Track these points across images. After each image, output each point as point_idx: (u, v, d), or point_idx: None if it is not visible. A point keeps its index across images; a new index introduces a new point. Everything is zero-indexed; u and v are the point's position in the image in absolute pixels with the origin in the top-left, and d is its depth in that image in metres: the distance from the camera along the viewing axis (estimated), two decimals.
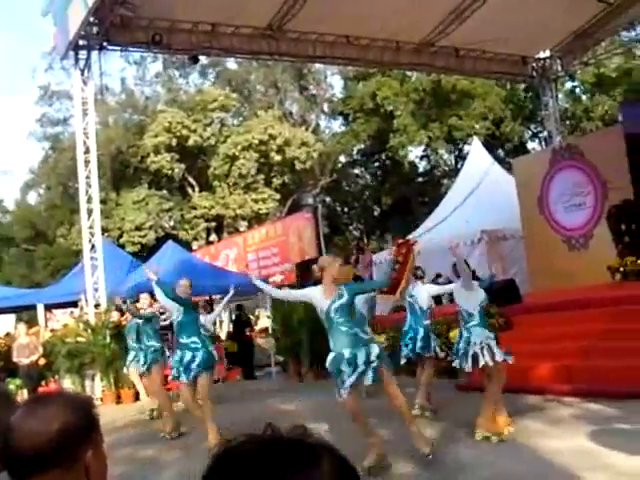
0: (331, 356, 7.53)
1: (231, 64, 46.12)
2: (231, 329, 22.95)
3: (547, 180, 19.09)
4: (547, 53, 22.27)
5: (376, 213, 47.97)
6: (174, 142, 39.36)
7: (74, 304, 18.16)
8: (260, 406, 13.03)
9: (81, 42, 16.77)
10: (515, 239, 20.09)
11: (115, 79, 48.06)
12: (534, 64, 22.76)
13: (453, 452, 7.92)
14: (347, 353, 7.38)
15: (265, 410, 12.33)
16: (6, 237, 48.95)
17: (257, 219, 39.39)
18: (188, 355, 9.56)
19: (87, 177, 17.13)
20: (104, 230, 21.42)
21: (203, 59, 26.57)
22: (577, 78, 37.35)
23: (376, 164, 47.65)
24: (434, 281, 19.67)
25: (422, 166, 47.11)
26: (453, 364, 9.11)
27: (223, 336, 22.45)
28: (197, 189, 41.96)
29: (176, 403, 11.69)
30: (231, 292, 13.08)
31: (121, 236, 38.26)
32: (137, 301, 13.71)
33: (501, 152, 41.38)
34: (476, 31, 19.20)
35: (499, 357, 8.23)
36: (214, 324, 24.30)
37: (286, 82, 46.64)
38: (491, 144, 36.94)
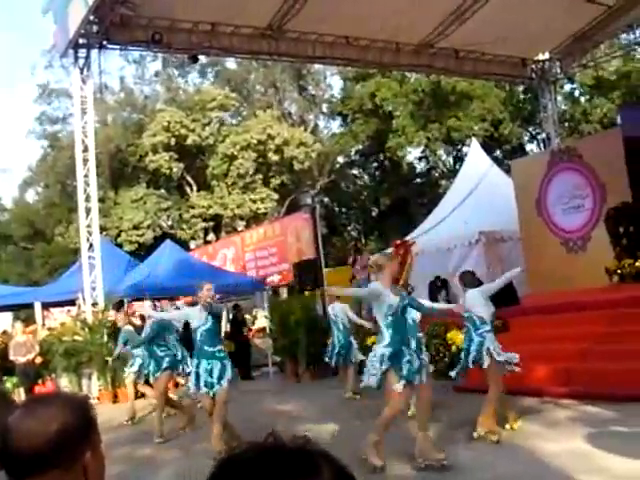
0: (389, 351, 7.55)
1: (230, 64, 46.23)
2: (228, 329, 22.95)
3: (545, 182, 19.08)
4: (546, 55, 22.29)
5: (374, 214, 47.96)
6: (173, 141, 39.37)
7: (72, 303, 18.14)
8: (257, 406, 13.04)
9: (81, 40, 16.77)
10: (513, 241, 20.07)
11: (114, 77, 48.34)
12: (533, 66, 22.79)
13: (451, 453, 7.91)
14: (408, 351, 7.63)
15: (262, 410, 12.34)
16: (4, 235, 48.89)
17: (255, 219, 39.40)
18: (218, 365, 9.14)
19: (85, 176, 17.13)
20: (102, 229, 21.42)
21: (202, 58, 26.58)
22: (576, 80, 37.37)
23: (374, 165, 47.69)
24: (433, 283, 19.71)
25: (420, 167, 47.18)
26: (454, 371, 9.11)
27: (221, 335, 22.44)
28: (195, 188, 41.97)
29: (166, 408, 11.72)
30: None
31: (119, 235, 38.28)
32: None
33: (499, 153, 41.40)
34: (476, 33, 19.22)
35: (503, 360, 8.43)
36: None
37: (285, 82, 46.65)
38: (489, 145, 36.94)
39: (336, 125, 48.93)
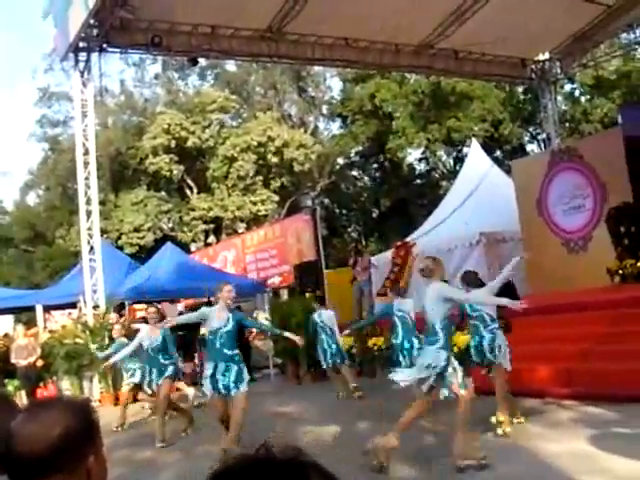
0: (445, 354, 7.58)
1: (230, 66, 46.23)
2: None
3: (546, 182, 19.08)
4: (546, 55, 22.29)
5: (374, 215, 47.94)
6: (173, 144, 39.37)
7: (73, 305, 18.14)
8: (259, 408, 13.02)
9: (81, 44, 16.79)
10: (514, 241, 20.05)
11: (114, 80, 48.42)
12: (533, 66, 22.79)
13: (452, 454, 7.92)
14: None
15: (263, 412, 12.33)
16: (5, 238, 48.90)
17: (256, 221, 39.40)
18: (235, 368, 9.03)
19: (86, 178, 17.14)
20: (103, 231, 21.43)
21: (202, 61, 26.59)
22: (576, 80, 37.37)
23: (374, 166, 47.68)
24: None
25: (421, 168, 47.15)
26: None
27: None
28: (196, 191, 41.98)
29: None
30: None
31: (119, 237, 38.29)
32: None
33: (500, 154, 41.39)
34: (475, 33, 19.23)
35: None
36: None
37: (285, 84, 46.65)
38: (489, 146, 36.93)
39: (336, 127, 48.97)
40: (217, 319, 9.15)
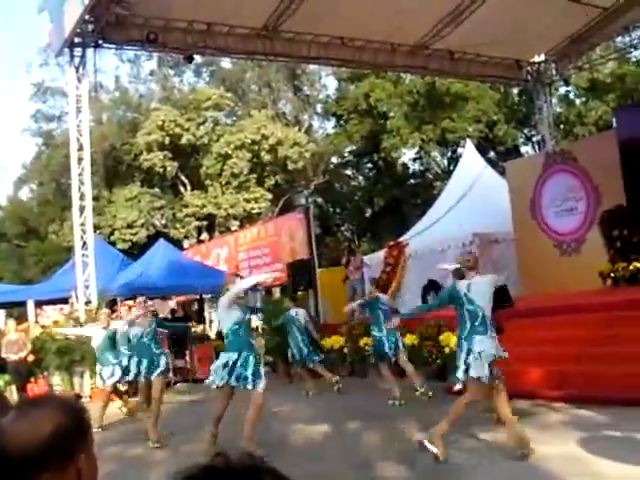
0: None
1: (225, 63, 46.17)
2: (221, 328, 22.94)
3: (540, 184, 19.11)
4: (542, 57, 22.31)
5: (368, 214, 47.98)
6: (167, 140, 39.31)
7: (65, 301, 18.11)
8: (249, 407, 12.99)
9: (76, 39, 16.77)
10: (507, 242, 20.10)
11: (109, 76, 48.25)
12: (529, 68, 22.82)
13: None
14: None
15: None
16: None
17: (249, 219, 39.37)
18: (253, 361, 8.75)
19: (80, 174, 17.11)
20: (95, 227, 21.39)
21: (198, 58, 26.55)
22: (571, 83, 37.41)
23: (368, 165, 47.72)
24: (428, 287, 19.71)
25: (415, 168, 47.19)
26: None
27: (212, 335, 22.44)
28: (189, 187, 41.93)
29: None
30: None
31: (112, 233, 38.22)
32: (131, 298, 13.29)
33: (494, 155, 41.44)
34: (471, 34, 19.24)
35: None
36: (203, 323, 24.38)
37: (280, 82, 46.65)
38: (484, 147, 37.00)
39: (330, 125, 48.98)
40: (239, 309, 9.01)
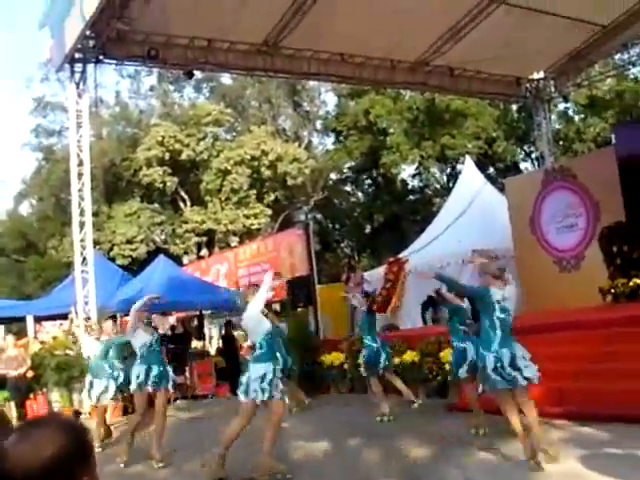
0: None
1: (226, 79, 46.31)
2: (221, 345, 22.91)
3: (539, 201, 19.13)
4: (541, 74, 22.34)
5: (367, 230, 47.98)
6: (167, 156, 39.36)
7: (64, 316, 18.06)
8: (254, 423, 12.95)
9: (77, 55, 16.78)
10: (506, 259, 20.07)
11: (110, 91, 48.37)
12: (528, 85, 22.87)
13: (442, 472, 7.90)
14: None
15: (253, 428, 12.26)
16: None
17: (248, 234, 39.36)
18: (278, 369, 8.59)
19: (80, 190, 17.10)
20: (95, 242, 21.36)
21: (198, 74, 26.62)
22: (570, 99, 37.49)
23: (368, 181, 47.76)
24: (427, 303, 19.69)
25: (414, 184, 47.23)
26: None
27: (212, 352, 22.42)
28: (189, 203, 41.96)
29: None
30: None
31: (112, 249, 38.19)
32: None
33: (493, 171, 41.50)
34: (471, 51, 19.29)
35: None
36: (203, 339, 24.35)
37: (280, 98, 46.77)
38: (483, 163, 37.07)
39: (330, 141, 49.08)
40: (270, 319, 9.00)
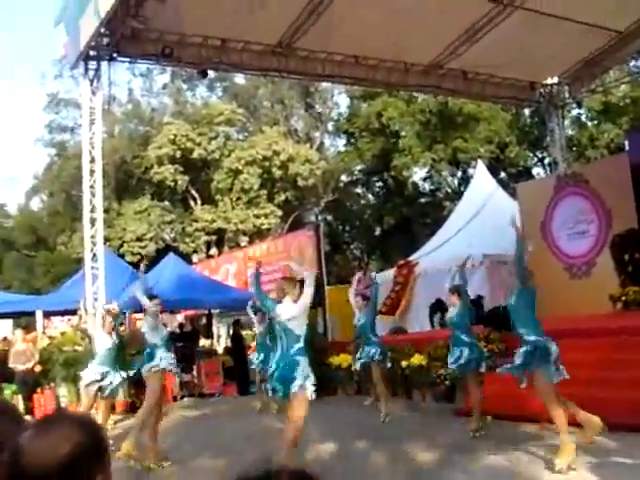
0: None
1: (239, 79, 46.34)
2: (229, 344, 22.92)
3: (551, 207, 19.08)
4: (555, 79, 22.26)
5: (377, 233, 47.94)
6: (178, 154, 39.43)
7: (73, 312, 18.09)
8: (256, 424, 12.95)
9: (91, 52, 16.80)
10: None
11: (122, 89, 48.43)
12: (542, 90, 22.76)
13: (448, 477, 7.89)
14: None
15: (261, 428, 12.26)
16: (7, 241, 49.02)
17: (258, 234, 39.39)
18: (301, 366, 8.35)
19: (91, 186, 17.11)
20: (105, 239, 21.37)
21: (211, 73, 26.65)
22: (583, 105, 37.39)
23: (379, 184, 47.73)
24: (435, 307, 19.66)
25: (425, 187, 47.18)
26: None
27: (220, 350, 22.43)
28: (199, 202, 42.01)
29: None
30: None
31: (121, 246, 38.26)
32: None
33: (504, 176, 41.42)
34: (485, 55, 19.23)
35: None
36: (211, 338, 24.37)
37: (292, 99, 46.80)
38: (494, 167, 36.99)
39: (342, 143, 49.10)
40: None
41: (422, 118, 39.75)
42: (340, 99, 54.09)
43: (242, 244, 37.68)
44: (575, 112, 38.98)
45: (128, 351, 13.83)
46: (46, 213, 47.47)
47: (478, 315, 14.10)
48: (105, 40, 16.67)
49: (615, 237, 16.67)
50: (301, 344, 8.46)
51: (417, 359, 13.98)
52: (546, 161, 40.51)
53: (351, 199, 47.84)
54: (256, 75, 30.67)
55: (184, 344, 19.97)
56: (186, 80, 45.59)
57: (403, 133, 40.23)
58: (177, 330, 21.92)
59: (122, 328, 16.29)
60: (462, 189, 37.48)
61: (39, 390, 16.48)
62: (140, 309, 18.30)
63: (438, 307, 19.16)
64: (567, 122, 35.61)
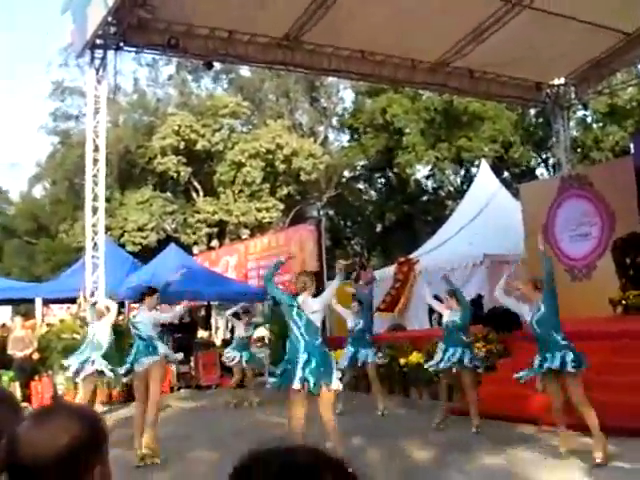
0: None
1: (244, 71, 46.26)
2: (227, 336, 22.91)
3: (554, 208, 19.04)
4: (562, 80, 22.23)
5: (378, 229, 47.92)
6: (182, 145, 39.38)
7: (72, 300, 18.10)
8: (255, 418, 12.95)
9: (98, 41, 16.80)
10: (517, 264, 20.01)
11: (128, 79, 48.28)
12: (548, 90, 22.73)
13: (444, 476, 7.88)
14: None
15: (259, 422, 12.26)
16: (9, 228, 49.04)
17: (260, 228, 39.35)
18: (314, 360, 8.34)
19: (94, 175, 17.11)
20: (106, 229, 21.39)
21: (217, 65, 26.61)
22: (589, 107, 37.32)
23: (381, 180, 47.70)
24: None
25: (428, 185, 47.13)
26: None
27: (218, 342, 22.41)
28: (202, 194, 41.98)
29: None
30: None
31: (122, 235, 38.23)
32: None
33: (508, 176, 41.39)
34: (492, 54, 19.19)
35: None
36: (210, 329, 24.36)
37: (298, 93, 46.73)
38: (498, 167, 36.95)
39: (345, 139, 49.04)
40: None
41: (427, 116, 39.70)
42: (345, 94, 54.08)
43: (243, 237, 37.64)
44: (580, 113, 38.92)
45: (127, 340, 13.76)
46: (48, 201, 47.43)
47: (477, 315, 14.06)
48: (112, 29, 16.67)
49: (617, 240, 16.62)
50: (321, 337, 8.56)
51: (415, 357, 13.97)
52: (550, 162, 40.44)
53: (353, 195, 47.78)
54: (262, 68, 30.60)
55: (182, 335, 19.98)
56: (191, 71, 45.54)
57: (407, 130, 40.15)
58: (176, 321, 21.89)
59: (121, 317, 16.31)
60: (465, 188, 37.42)
61: (37, 377, 16.49)
62: (140, 299, 18.32)
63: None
64: (572, 123, 35.52)
